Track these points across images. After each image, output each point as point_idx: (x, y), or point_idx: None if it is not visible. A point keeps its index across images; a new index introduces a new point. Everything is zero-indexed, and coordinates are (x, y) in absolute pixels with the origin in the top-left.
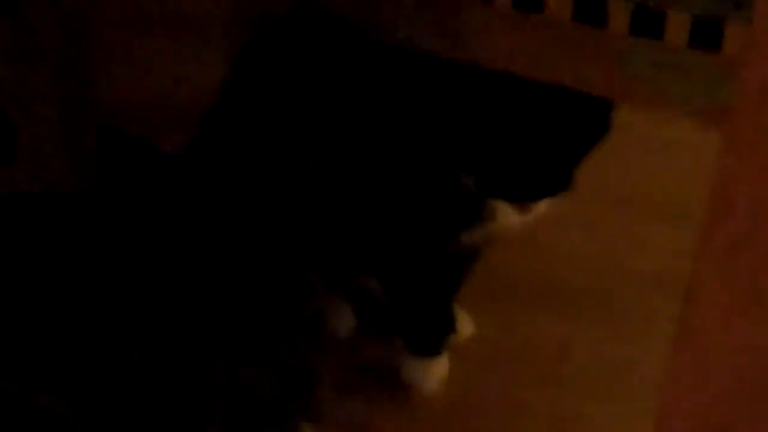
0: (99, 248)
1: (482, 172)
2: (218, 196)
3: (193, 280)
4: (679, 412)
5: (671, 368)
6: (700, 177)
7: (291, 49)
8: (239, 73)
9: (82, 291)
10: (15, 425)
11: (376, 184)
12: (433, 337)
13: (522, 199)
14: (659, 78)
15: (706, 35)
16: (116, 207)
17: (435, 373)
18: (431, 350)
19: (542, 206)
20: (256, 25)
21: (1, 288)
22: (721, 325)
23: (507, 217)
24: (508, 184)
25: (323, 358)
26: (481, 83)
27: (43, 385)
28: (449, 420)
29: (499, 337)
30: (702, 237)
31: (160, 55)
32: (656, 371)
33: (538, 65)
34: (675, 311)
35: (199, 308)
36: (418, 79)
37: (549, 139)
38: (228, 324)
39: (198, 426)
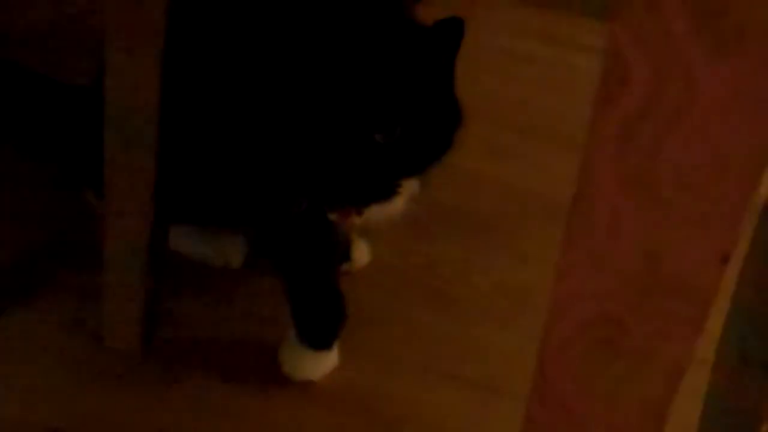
0: None
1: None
2: None
3: None
4: (571, 306)
5: (562, 262)
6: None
7: None
8: None
9: None
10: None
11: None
12: (325, 324)
13: (339, 205)
14: None
15: None
16: None
17: (321, 369)
18: (323, 342)
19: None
20: None
21: None
22: (611, 221)
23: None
24: (326, 190)
25: None
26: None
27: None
28: (345, 344)
29: (397, 261)
30: (592, 122)
31: None
32: None
33: None
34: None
35: None
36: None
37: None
38: None
39: None
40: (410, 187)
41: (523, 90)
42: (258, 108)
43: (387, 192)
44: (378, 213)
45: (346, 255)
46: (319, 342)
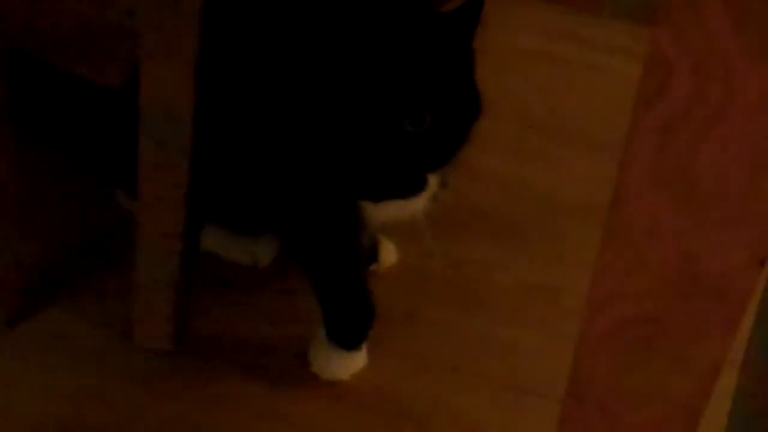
0: None
1: (333, 168)
2: None
3: None
4: (608, 305)
5: (600, 261)
6: (622, 106)
7: None
8: None
9: None
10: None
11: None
12: (355, 325)
13: (372, 198)
14: None
15: None
16: None
17: (350, 368)
18: (352, 342)
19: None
20: None
21: None
22: (649, 222)
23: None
24: (358, 183)
25: None
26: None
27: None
28: (373, 343)
29: (422, 262)
30: (632, 123)
31: None
32: (579, 299)
33: None
34: (598, 239)
35: None
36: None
37: (402, 142)
38: None
39: None
40: (431, 185)
41: (551, 91)
42: (289, 100)
43: (417, 185)
44: (400, 211)
45: (373, 255)
46: (349, 342)
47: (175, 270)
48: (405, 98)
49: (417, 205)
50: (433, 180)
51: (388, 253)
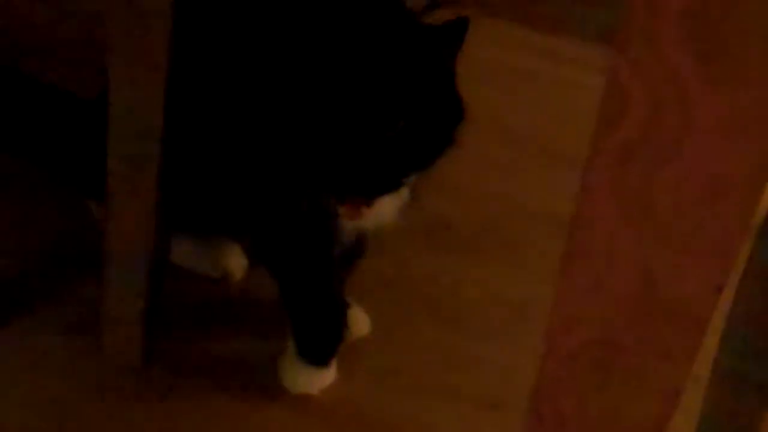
0: None
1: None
2: None
3: None
4: (570, 329)
5: (560, 285)
6: (594, 120)
7: None
8: None
9: None
10: None
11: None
12: (324, 341)
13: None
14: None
15: None
16: None
17: (320, 383)
18: (321, 359)
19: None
20: None
21: None
22: (609, 246)
23: None
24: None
25: None
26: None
27: None
28: (343, 356)
29: (395, 274)
30: (591, 149)
31: None
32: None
33: None
34: None
35: None
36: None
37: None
38: None
39: None
40: (402, 196)
41: (525, 105)
42: (268, 109)
43: (394, 183)
44: (371, 219)
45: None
46: (318, 359)
47: (144, 282)
48: (382, 111)
49: (387, 216)
50: (405, 190)
51: (360, 322)
